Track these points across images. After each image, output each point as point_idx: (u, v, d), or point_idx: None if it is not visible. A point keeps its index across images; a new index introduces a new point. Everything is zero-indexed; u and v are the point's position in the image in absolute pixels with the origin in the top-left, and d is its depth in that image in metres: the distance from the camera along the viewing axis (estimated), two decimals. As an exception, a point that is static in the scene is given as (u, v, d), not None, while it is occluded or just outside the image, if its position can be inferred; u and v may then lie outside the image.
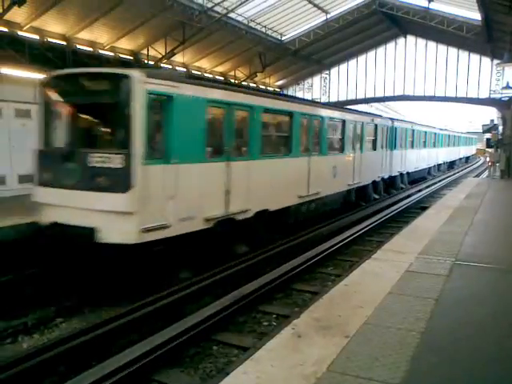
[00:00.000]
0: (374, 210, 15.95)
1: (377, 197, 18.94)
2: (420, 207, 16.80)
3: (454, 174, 33.63)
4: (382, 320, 4.69)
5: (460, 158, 47.32)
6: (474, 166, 46.85)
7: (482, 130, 34.19)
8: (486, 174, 31.30)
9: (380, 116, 21.76)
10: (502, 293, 5.78)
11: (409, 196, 20.36)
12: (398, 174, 21.63)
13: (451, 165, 40.77)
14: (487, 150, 32.18)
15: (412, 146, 24.09)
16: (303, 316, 4.84)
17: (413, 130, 24.21)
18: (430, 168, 30.39)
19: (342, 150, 14.79)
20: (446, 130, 37.38)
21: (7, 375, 4.77)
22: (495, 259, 7.14)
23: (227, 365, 5.41)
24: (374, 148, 17.99)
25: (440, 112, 46.29)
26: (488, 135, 29.56)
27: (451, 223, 10.06)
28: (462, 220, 10.37)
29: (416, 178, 26.51)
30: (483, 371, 3.80)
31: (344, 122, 14.74)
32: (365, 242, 11.95)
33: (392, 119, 21.22)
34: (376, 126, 18.04)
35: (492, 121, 31.49)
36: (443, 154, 34.84)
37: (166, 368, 5.35)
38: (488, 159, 30.24)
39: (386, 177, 19.89)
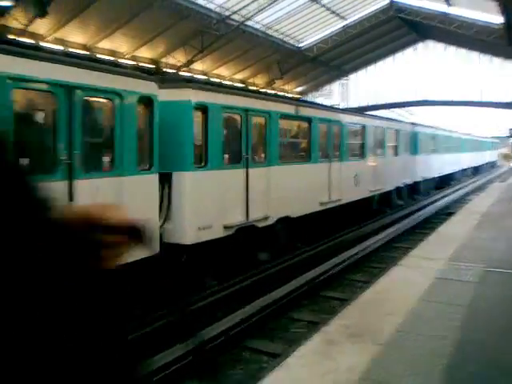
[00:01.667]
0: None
1: None
2: (446, 213, 16.57)
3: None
4: (414, 327, 4.63)
5: (463, 170, 32.43)
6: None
7: (508, 134, 33.55)
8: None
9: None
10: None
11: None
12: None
13: (444, 182, 26.75)
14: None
15: (342, 157, 12.90)
16: (333, 323, 4.80)
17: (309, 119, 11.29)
18: (391, 191, 17.31)
19: None
20: (416, 124, 21.32)
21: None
22: (526, 265, 7.00)
23: (258, 371, 5.40)
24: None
25: (464, 118, 44.02)
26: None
27: (479, 229, 9.89)
28: (491, 226, 10.19)
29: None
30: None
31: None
32: (392, 249, 11.81)
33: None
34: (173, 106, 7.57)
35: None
36: (427, 167, 21.76)
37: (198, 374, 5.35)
38: None
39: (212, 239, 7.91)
